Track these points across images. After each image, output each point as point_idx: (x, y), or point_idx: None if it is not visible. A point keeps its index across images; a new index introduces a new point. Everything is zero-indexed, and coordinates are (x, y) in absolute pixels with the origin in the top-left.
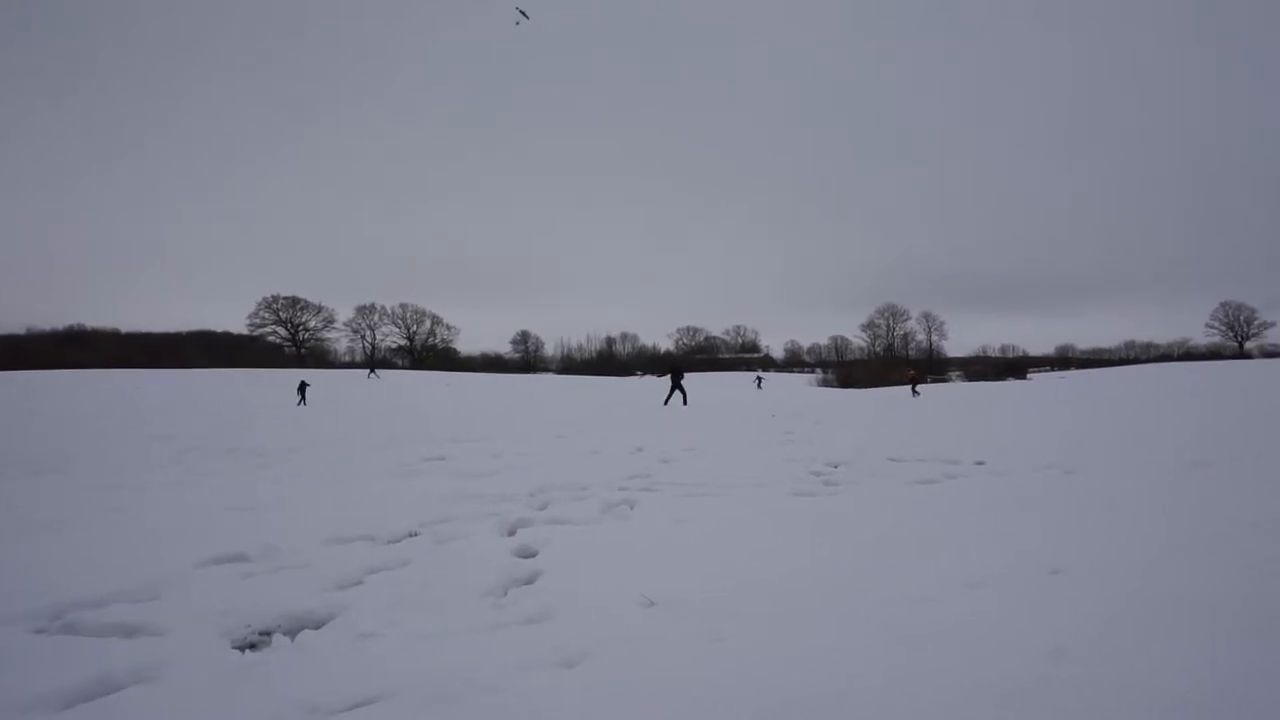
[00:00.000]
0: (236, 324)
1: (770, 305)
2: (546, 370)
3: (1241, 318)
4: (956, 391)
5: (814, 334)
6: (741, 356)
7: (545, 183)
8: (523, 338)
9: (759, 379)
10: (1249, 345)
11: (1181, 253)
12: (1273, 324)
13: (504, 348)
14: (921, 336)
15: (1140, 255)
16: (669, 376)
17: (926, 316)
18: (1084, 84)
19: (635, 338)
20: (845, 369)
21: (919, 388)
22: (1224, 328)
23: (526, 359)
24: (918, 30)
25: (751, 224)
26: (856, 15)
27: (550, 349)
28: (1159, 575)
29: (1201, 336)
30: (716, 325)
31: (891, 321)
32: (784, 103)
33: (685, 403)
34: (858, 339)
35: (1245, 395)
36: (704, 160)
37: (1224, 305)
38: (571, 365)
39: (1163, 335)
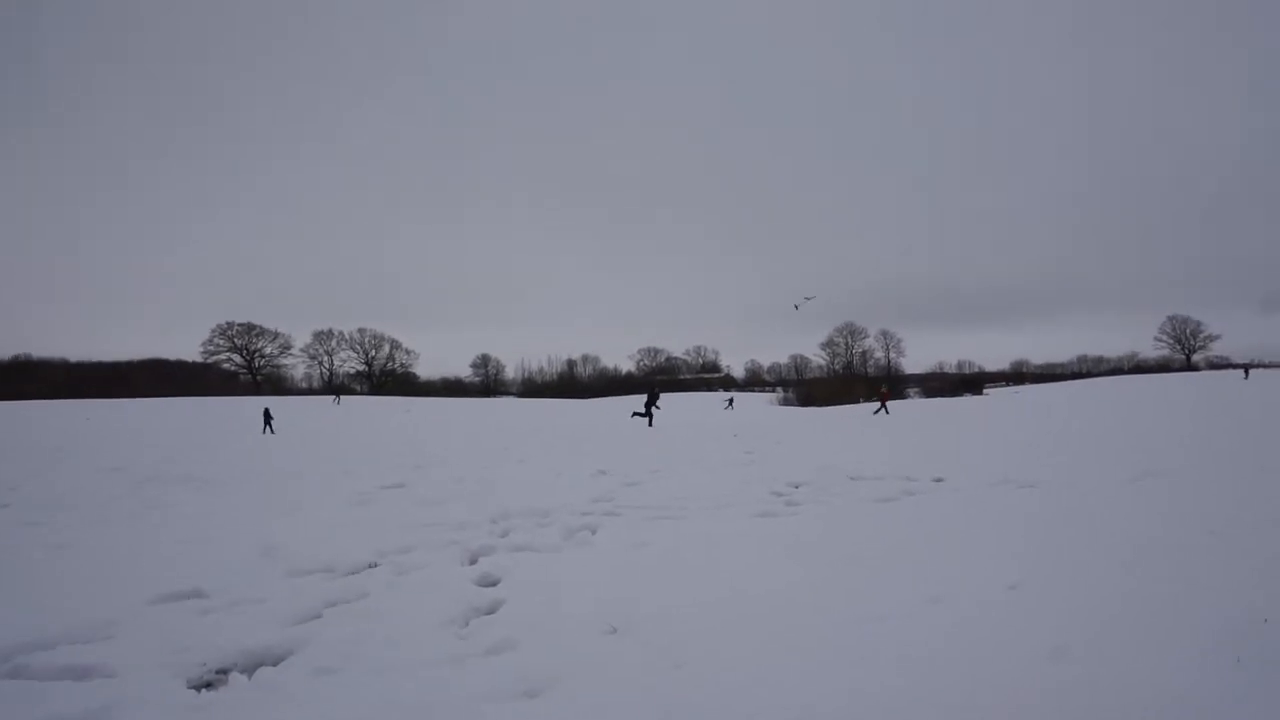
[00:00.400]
0: (190, 352)
1: (730, 324)
2: (507, 393)
3: (1188, 331)
4: (915, 408)
5: (774, 353)
6: (702, 377)
7: (504, 204)
8: (483, 361)
9: (730, 400)
10: (1196, 358)
11: (1131, 267)
12: (1218, 337)
13: (464, 371)
14: (880, 354)
15: (1091, 270)
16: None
17: (884, 334)
18: (1041, 104)
19: (597, 359)
20: (805, 388)
21: (885, 406)
22: (1172, 341)
23: (487, 383)
24: (878, 46)
25: (710, 243)
26: (821, 28)
27: (511, 372)
28: (1114, 588)
29: (1151, 350)
30: (677, 346)
31: (850, 340)
32: (743, 119)
33: (650, 424)
34: (817, 357)
35: (1191, 407)
36: (661, 179)
37: (1171, 319)
38: (532, 388)
39: (1113, 349)
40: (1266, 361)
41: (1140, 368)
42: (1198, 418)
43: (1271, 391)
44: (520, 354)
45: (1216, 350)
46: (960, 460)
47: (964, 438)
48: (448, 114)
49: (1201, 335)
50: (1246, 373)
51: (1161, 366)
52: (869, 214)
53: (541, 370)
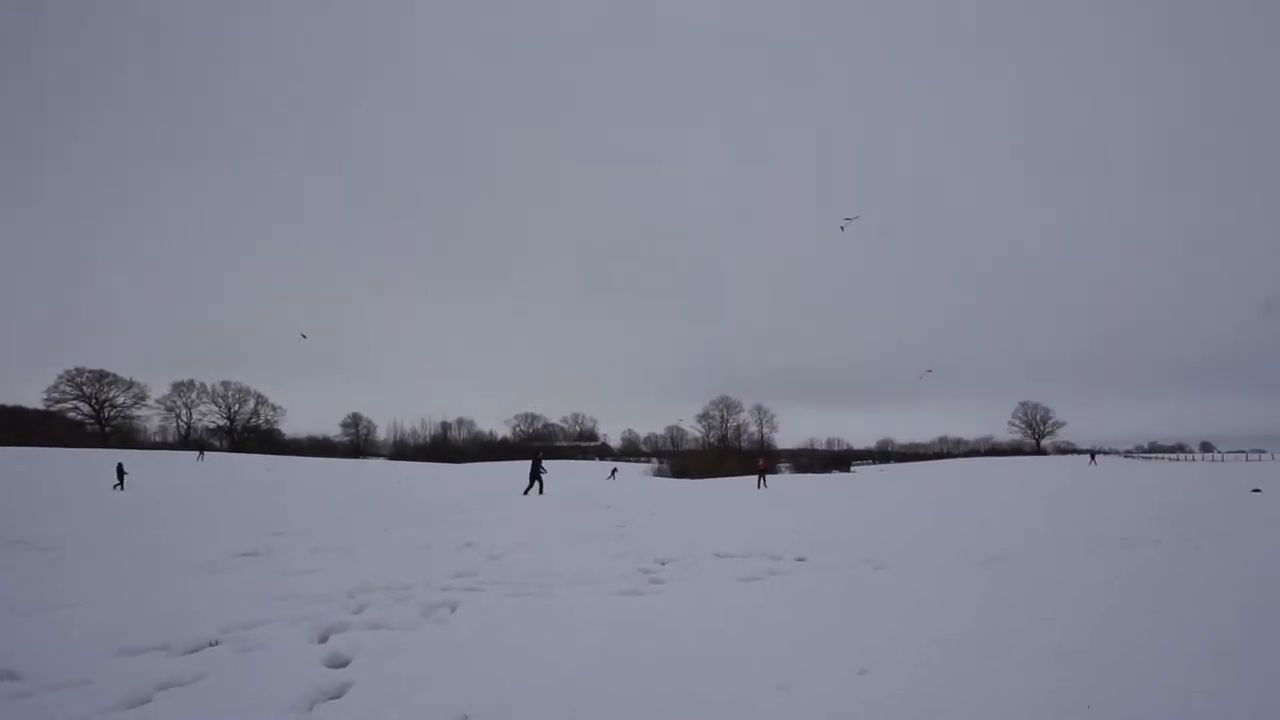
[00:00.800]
0: (31, 399)
1: (607, 393)
2: (378, 455)
3: (1038, 417)
4: (786, 484)
5: (650, 423)
6: (579, 445)
7: (379, 262)
8: (353, 420)
9: (614, 470)
10: (1045, 442)
11: (988, 356)
12: (1064, 423)
13: (334, 430)
14: (754, 428)
15: (950, 357)
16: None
17: (758, 409)
18: (900, 197)
19: (472, 423)
20: (681, 459)
21: (765, 479)
22: (1024, 425)
23: (357, 443)
24: (750, 119)
25: (589, 311)
26: (698, 103)
27: (383, 433)
28: (962, 673)
29: (1005, 433)
30: (554, 412)
31: (725, 413)
32: (615, 188)
33: (541, 491)
34: (693, 429)
35: (1042, 490)
36: (539, 247)
37: (1023, 405)
38: (405, 450)
39: (971, 431)
40: (1106, 448)
41: (995, 449)
42: (1037, 502)
43: (1115, 477)
44: (392, 415)
45: (1063, 435)
46: (823, 539)
47: (829, 515)
48: (329, 165)
49: (1050, 421)
50: (1093, 457)
51: (1015, 449)
52: (743, 293)
53: (415, 432)
